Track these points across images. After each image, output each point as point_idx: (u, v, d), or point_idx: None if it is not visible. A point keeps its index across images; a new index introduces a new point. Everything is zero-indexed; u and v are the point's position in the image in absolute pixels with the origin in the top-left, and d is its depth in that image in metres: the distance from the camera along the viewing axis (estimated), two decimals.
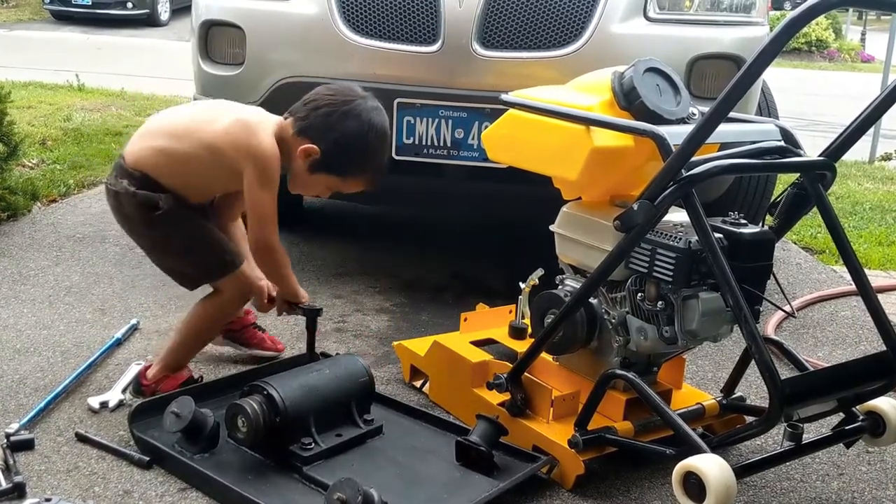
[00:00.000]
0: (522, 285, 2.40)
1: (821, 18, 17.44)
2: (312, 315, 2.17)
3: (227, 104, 2.17)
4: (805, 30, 16.85)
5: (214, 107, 2.20)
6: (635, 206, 1.69)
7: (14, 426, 1.92)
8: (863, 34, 20.26)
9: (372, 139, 2.00)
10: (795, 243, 4.06)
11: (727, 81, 2.84)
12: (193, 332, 2.17)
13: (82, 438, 1.93)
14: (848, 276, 3.50)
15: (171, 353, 2.15)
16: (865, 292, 1.78)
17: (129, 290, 2.91)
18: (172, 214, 2.04)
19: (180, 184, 2.06)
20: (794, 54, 16.61)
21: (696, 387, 2.24)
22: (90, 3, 14.76)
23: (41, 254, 3.21)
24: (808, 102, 10.07)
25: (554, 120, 1.88)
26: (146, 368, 2.15)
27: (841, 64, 16.98)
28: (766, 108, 3.34)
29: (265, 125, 2.03)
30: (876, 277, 3.56)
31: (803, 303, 3.16)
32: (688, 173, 1.63)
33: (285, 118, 2.06)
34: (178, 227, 2.07)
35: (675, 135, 1.69)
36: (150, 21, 15.20)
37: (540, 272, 2.39)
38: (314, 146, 1.98)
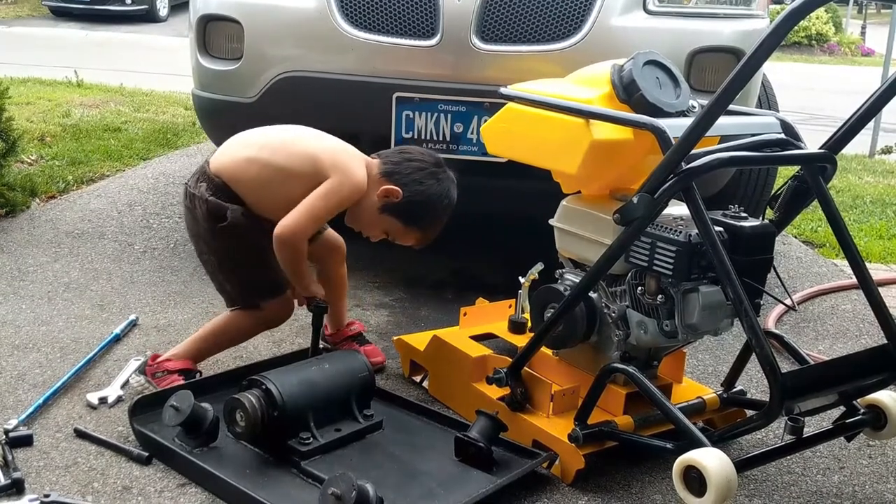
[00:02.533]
0: (522, 280, 2.39)
1: (820, 12, 17.43)
2: (319, 312, 2.17)
3: (319, 132, 2.24)
4: (805, 24, 16.82)
5: (311, 131, 2.24)
6: (635, 200, 1.68)
7: (13, 422, 1.91)
8: (863, 28, 20.24)
9: (445, 205, 2.19)
10: (796, 237, 4.05)
11: (727, 74, 2.84)
12: (222, 335, 2.21)
13: (81, 434, 1.92)
14: (848, 270, 3.49)
15: (193, 343, 2.19)
16: (866, 285, 1.77)
17: (128, 286, 2.90)
18: (237, 228, 2.10)
19: (256, 195, 2.12)
20: (795, 48, 16.58)
21: (696, 381, 2.24)
22: (89, 0, 14.74)
23: (40, 250, 3.20)
24: (808, 96, 10.06)
25: (553, 113, 1.88)
26: (158, 355, 2.19)
27: (841, 58, 16.96)
28: (767, 102, 3.33)
29: (361, 158, 2.18)
30: (877, 271, 3.55)
31: (804, 296, 3.15)
32: (688, 166, 1.63)
33: (373, 157, 2.20)
34: (238, 242, 2.13)
35: (675, 127, 1.68)
36: (149, 17, 15.19)
37: (539, 267, 2.38)
38: (398, 189, 2.12)
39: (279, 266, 2.13)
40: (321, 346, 2.21)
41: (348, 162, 2.13)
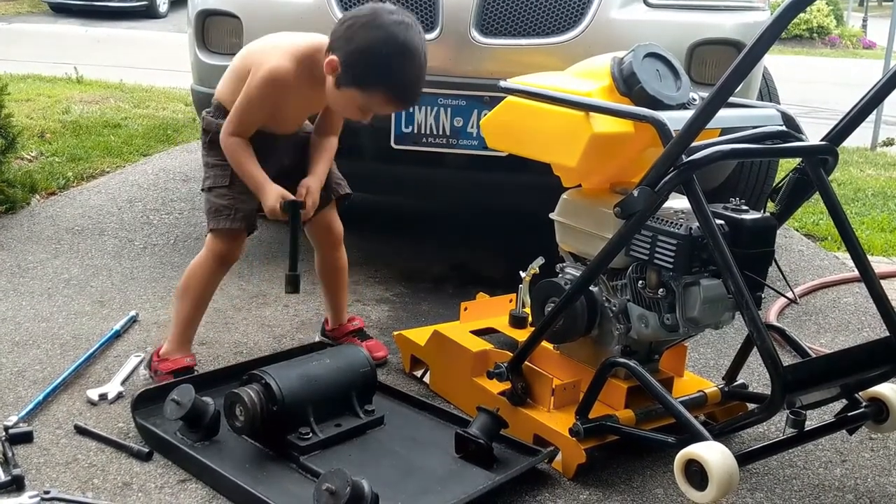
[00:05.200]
0: (522, 274, 2.38)
1: (821, 5, 17.38)
2: (293, 207, 2.07)
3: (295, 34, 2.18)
4: (806, 16, 16.78)
5: (283, 35, 2.19)
6: (636, 193, 1.68)
7: (13, 419, 1.91)
8: (864, 20, 20.20)
9: (390, 51, 1.93)
10: (798, 230, 4.04)
11: (728, 67, 2.84)
12: (187, 291, 2.19)
13: (81, 430, 1.92)
14: (850, 263, 3.50)
15: (174, 326, 2.20)
16: (868, 278, 1.76)
17: (128, 282, 2.89)
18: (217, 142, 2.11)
19: (233, 96, 2.10)
20: (796, 41, 16.54)
21: (697, 374, 2.23)
22: None
23: (40, 246, 3.19)
24: (810, 89, 10.03)
25: (553, 106, 1.87)
26: (161, 348, 2.20)
27: (842, 50, 16.92)
28: (768, 94, 3.32)
29: (292, 47, 2.06)
30: (879, 264, 3.54)
31: (806, 289, 3.15)
32: (688, 159, 1.62)
33: None
34: (220, 159, 2.12)
35: (676, 120, 1.67)
36: (149, 13, 15.16)
37: (540, 261, 2.37)
38: (334, 58, 1.96)
39: (245, 201, 2.12)
40: (318, 339, 2.20)
41: (269, 53, 2.05)
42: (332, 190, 2.27)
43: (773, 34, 1.51)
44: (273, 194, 2.05)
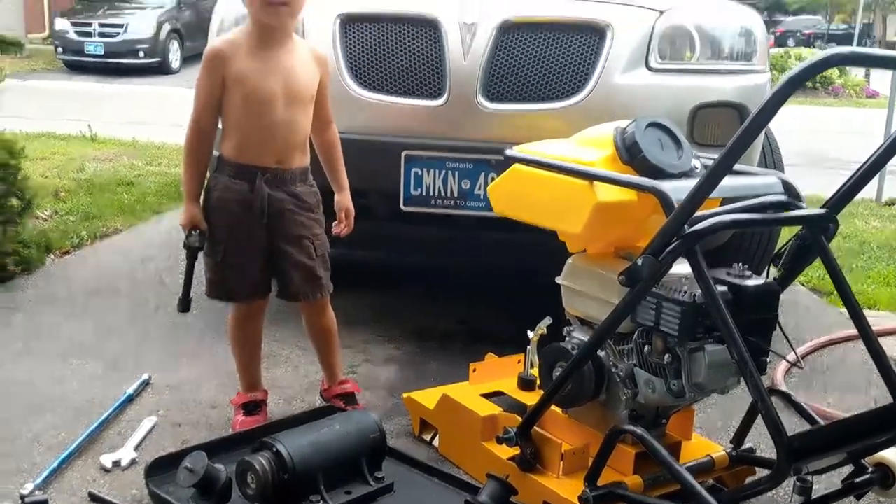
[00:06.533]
0: (531, 334, 2.40)
1: None
2: (190, 251, 2.17)
3: None
4: None
5: None
6: (640, 262, 1.71)
7: (28, 486, 1.93)
8: (867, 70, 20.35)
9: None
10: (804, 285, 4.06)
11: (730, 129, 2.88)
12: (229, 339, 2.38)
13: (95, 498, 1.94)
14: None
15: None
16: (866, 336, 1.78)
17: (141, 343, 2.93)
18: (215, 202, 2.18)
19: (225, 135, 2.18)
20: (800, 91, 16.64)
21: (705, 435, 2.24)
22: (103, 53, 15.01)
23: (54, 308, 3.24)
24: (815, 139, 10.10)
25: (558, 175, 1.91)
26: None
27: (846, 100, 17.04)
28: (771, 157, 3.35)
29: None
30: (886, 319, 3.55)
31: (812, 347, 3.15)
32: (691, 229, 1.65)
33: None
34: (213, 224, 2.19)
35: (678, 189, 1.71)
36: (162, 69, 15.42)
37: (548, 321, 2.39)
38: None
39: (245, 267, 2.20)
40: (323, 403, 2.24)
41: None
42: (321, 290, 2.29)
43: (774, 107, 1.54)
44: (187, 217, 2.16)
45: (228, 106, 2.13)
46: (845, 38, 31.92)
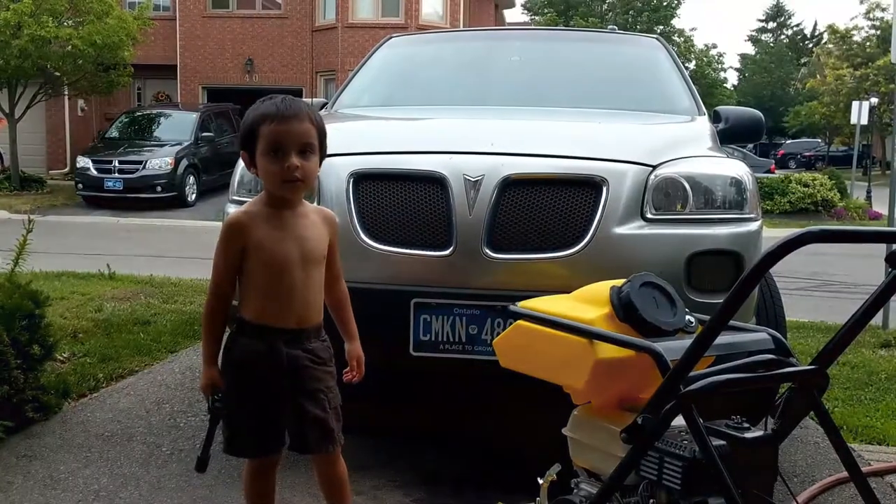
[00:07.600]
0: (540, 481, 2.44)
1: (825, 179, 17.94)
2: (213, 414, 2.29)
3: None
4: (810, 191, 17.29)
5: None
6: (639, 420, 1.79)
7: None
8: (868, 192, 20.75)
9: (255, 117, 2.22)
10: (812, 419, 4.07)
11: (724, 275, 2.98)
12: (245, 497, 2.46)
13: None
14: (866, 455, 3.53)
15: None
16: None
17: (155, 492, 2.97)
18: (235, 362, 2.29)
19: (244, 298, 2.29)
20: (802, 214, 16.96)
21: None
22: (122, 188, 15.54)
23: (71, 455, 3.30)
24: (818, 261, 10.23)
25: (559, 332, 2.01)
26: None
27: (849, 222, 17.31)
28: (772, 304, 3.45)
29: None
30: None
31: (823, 486, 3.16)
32: (686, 390, 1.74)
33: None
34: (235, 379, 2.29)
35: (673, 350, 1.81)
36: (178, 202, 15.90)
37: (557, 468, 2.42)
38: (242, 152, 2.28)
39: (255, 426, 2.29)
40: None
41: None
42: (333, 442, 2.34)
43: (756, 278, 1.66)
44: (206, 380, 2.28)
45: (248, 271, 2.24)
46: (845, 160, 32.70)
